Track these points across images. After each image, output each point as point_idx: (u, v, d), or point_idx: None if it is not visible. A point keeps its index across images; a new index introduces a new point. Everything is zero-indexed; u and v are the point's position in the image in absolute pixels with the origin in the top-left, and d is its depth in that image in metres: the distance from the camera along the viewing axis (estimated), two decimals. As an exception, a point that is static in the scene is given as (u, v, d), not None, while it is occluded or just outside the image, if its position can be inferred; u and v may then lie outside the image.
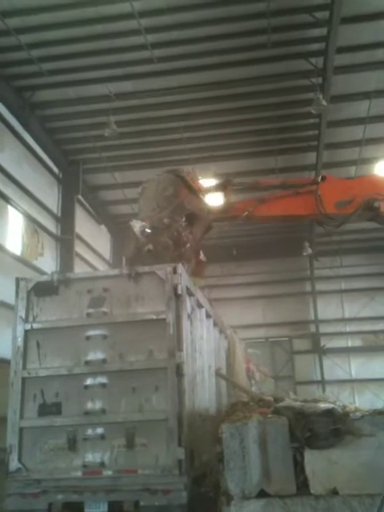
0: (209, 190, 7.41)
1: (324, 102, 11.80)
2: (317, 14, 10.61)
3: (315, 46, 11.59)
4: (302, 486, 5.06)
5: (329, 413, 5.37)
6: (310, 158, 15.16)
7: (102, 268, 17.19)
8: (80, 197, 16.06)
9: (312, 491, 5.01)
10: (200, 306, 7.81)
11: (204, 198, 7.05)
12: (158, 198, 6.51)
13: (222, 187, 7.18)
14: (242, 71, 12.22)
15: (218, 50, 11.64)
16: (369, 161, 15.29)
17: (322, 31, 10.97)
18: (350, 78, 12.51)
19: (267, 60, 11.86)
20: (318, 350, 20.58)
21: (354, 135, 14.48)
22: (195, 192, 6.83)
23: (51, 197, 14.95)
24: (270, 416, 5.43)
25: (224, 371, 9.51)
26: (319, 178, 7.11)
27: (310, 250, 19.71)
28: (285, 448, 5.17)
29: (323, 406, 5.66)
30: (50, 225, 14.82)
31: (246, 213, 6.88)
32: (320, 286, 21.32)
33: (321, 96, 11.87)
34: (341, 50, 11.26)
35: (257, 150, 15.23)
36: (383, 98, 13.05)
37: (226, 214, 6.97)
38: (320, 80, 11.99)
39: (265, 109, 13.56)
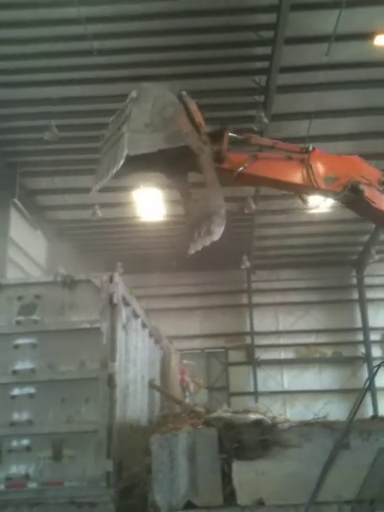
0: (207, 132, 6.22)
1: (266, 120, 12.09)
2: (262, 33, 10.90)
3: (259, 65, 11.88)
4: (229, 497, 5.11)
5: (258, 424, 5.46)
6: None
7: (37, 274, 16.75)
8: (16, 200, 15.60)
9: (239, 502, 5.07)
10: (136, 315, 7.76)
11: (203, 137, 5.97)
12: (153, 114, 5.49)
13: (219, 133, 6.17)
14: (185, 84, 12.29)
15: (162, 62, 11.71)
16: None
17: (267, 50, 11.26)
18: (291, 98, 12.89)
19: (211, 75, 12.04)
20: (253, 362, 20.91)
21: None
22: (196, 126, 5.85)
23: (-17, 199, 14.46)
24: (199, 427, 5.45)
25: (158, 382, 9.48)
26: (310, 147, 6.36)
27: (247, 264, 20.05)
28: (213, 459, 5.20)
29: (253, 416, 5.74)
30: (-19, 228, 14.33)
31: (241, 168, 5.88)
32: (256, 299, 21.72)
33: (263, 114, 12.16)
34: (284, 70, 11.60)
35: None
36: (323, 118, 13.49)
37: (219, 163, 5.96)
38: (262, 98, 12.29)
39: (207, 123, 13.69)
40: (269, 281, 21.64)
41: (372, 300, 21.54)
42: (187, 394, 12.60)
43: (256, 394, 20.40)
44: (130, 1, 10.24)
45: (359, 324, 21.57)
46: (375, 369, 5.93)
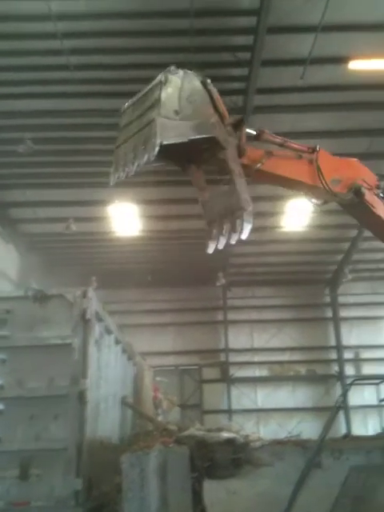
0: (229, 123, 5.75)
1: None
2: (239, 55, 11.08)
3: (236, 85, 12.04)
4: (200, 517, 5.05)
5: (230, 442, 5.44)
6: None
7: (8, 289, 16.46)
8: (-15, 213, 15.41)
9: (209, 522, 5.00)
10: (109, 331, 7.68)
11: (228, 128, 5.54)
12: (181, 100, 5.12)
13: (237, 125, 5.69)
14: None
15: (139, 79, 11.71)
16: (282, 198, 16.03)
17: (244, 71, 11.44)
18: (266, 119, 13.06)
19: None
20: (227, 379, 20.85)
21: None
22: (221, 116, 5.42)
23: None
24: (171, 446, 5.39)
25: (130, 399, 9.36)
26: (317, 147, 6.15)
27: (223, 280, 20.10)
28: (184, 478, 5.15)
29: (225, 435, 5.71)
30: None
31: (258, 164, 5.64)
32: (231, 316, 21.74)
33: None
34: (260, 91, 11.77)
35: (175, 179, 15.41)
36: (297, 139, 13.68)
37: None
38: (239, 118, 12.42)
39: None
40: (244, 298, 21.70)
41: (345, 318, 21.73)
42: (160, 411, 12.47)
43: (230, 411, 20.32)
44: (109, 17, 10.31)
45: (333, 342, 21.75)
46: (346, 388, 5.95)
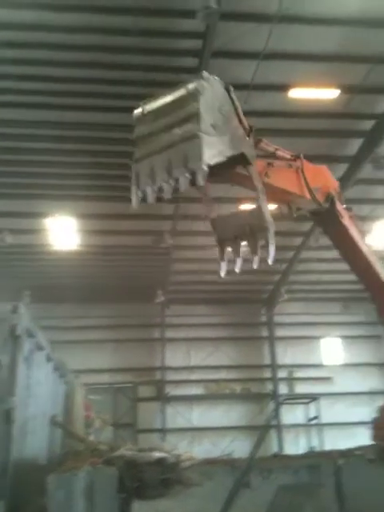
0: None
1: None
2: (183, 76, 11.17)
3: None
4: (128, 538, 4.95)
5: (159, 462, 5.39)
6: (168, 208, 15.64)
7: None
8: None
9: (137, 544, 4.91)
10: (40, 348, 7.46)
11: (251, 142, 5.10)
12: (214, 112, 4.58)
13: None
14: (106, 117, 12.43)
15: (82, 93, 11.81)
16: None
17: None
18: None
19: (126, 110, 12.18)
20: (162, 398, 20.68)
21: (210, 193, 15.20)
22: (246, 129, 4.96)
23: None
24: (99, 466, 5.28)
25: (61, 418, 9.09)
26: (301, 155, 5.86)
27: (162, 298, 20.05)
28: (112, 499, 5.05)
29: (155, 455, 5.65)
30: None
31: (266, 178, 5.22)
32: (169, 334, 21.67)
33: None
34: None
35: (115, 195, 15.27)
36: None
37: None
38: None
39: (119, 155, 13.61)
40: (182, 315, 21.65)
41: (281, 338, 22.17)
42: (92, 430, 12.16)
43: (164, 430, 20.13)
44: (48, 29, 10.22)
45: (268, 361, 22.10)
46: (276, 407, 6.04)
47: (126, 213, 15.69)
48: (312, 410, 20.20)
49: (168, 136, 4.54)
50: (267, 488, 5.40)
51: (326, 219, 6.49)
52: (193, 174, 4.27)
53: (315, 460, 5.91)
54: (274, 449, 18.11)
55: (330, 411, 20.13)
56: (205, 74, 4.71)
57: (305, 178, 5.84)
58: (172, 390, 20.87)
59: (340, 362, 22.14)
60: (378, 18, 10.23)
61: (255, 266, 4.83)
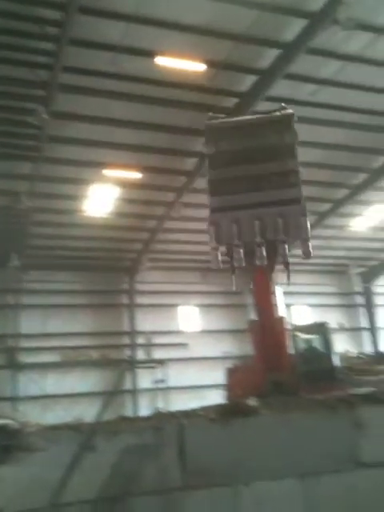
0: None
1: (45, 116, 11.82)
2: (48, 29, 10.59)
3: (42, 59, 11.50)
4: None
5: (1, 429, 5.20)
6: (27, 167, 14.89)
7: None
8: None
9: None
10: None
11: None
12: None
13: None
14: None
15: None
16: (85, 181, 15.91)
17: (52, 46, 10.98)
18: (75, 99, 12.77)
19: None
20: (14, 365, 19.90)
21: (74, 155, 14.76)
22: None
23: None
24: None
25: None
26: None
27: (16, 262, 19.03)
28: None
29: (-3, 421, 5.46)
30: None
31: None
32: (26, 300, 20.79)
33: (44, 109, 11.86)
34: (68, 70, 11.47)
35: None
36: (100, 125, 13.60)
37: None
38: (44, 93, 11.97)
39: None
40: (41, 281, 20.88)
41: (141, 305, 22.46)
42: None
43: (14, 399, 19.44)
44: None
45: (127, 328, 22.31)
46: (121, 370, 6.13)
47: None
48: (168, 374, 20.83)
49: (255, 169, 4.38)
50: (112, 450, 5.46)
51: None
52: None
53: (160, 421, 6.08)
54: (129, 413, 18.43)
55: (184, 375, 20.95)
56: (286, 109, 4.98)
57: None
58: (26, 358, 20.18)
59: (197, 328, 23.10)
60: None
61: None
